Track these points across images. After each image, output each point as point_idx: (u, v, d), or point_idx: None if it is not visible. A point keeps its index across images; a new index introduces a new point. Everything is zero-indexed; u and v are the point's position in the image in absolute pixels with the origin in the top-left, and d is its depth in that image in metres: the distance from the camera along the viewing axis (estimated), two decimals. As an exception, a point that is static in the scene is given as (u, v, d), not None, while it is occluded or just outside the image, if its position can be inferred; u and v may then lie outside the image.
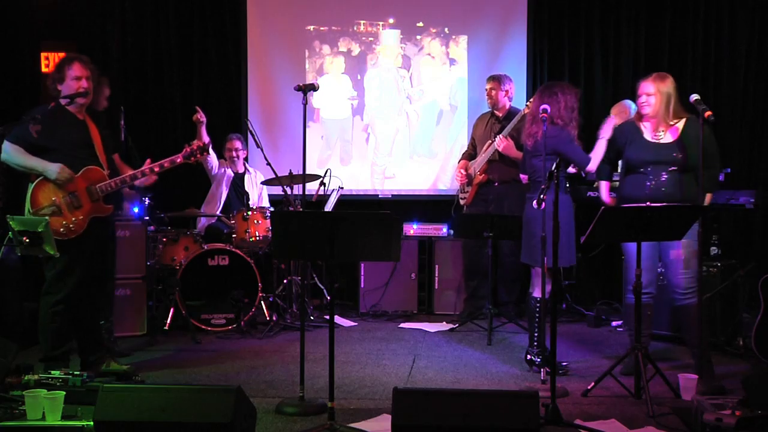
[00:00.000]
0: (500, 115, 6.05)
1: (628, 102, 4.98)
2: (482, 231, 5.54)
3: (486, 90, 6.11)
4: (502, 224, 5.47)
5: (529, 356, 4.62)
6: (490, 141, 5.92)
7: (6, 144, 4.19)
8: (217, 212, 6.35)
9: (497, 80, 6.05)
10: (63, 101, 4.25)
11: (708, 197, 4.41)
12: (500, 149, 5.74)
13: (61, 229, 4.15)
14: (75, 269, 4.23)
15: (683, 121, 4.45)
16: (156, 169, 4.50)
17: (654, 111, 4.45)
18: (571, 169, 4.70)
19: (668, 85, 4.45)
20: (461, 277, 6.47)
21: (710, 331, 5.05)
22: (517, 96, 6.24)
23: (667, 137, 4.44)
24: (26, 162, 4.23)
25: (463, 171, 6.13)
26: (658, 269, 4.64)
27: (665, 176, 4.38)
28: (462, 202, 6.22)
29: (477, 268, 6.19)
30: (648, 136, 4.49)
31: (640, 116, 4.56)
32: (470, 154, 6.24)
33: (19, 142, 4.19)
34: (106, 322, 5.09)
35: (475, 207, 6.08)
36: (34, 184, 4.19)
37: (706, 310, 4.46)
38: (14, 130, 4.16)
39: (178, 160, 4.53)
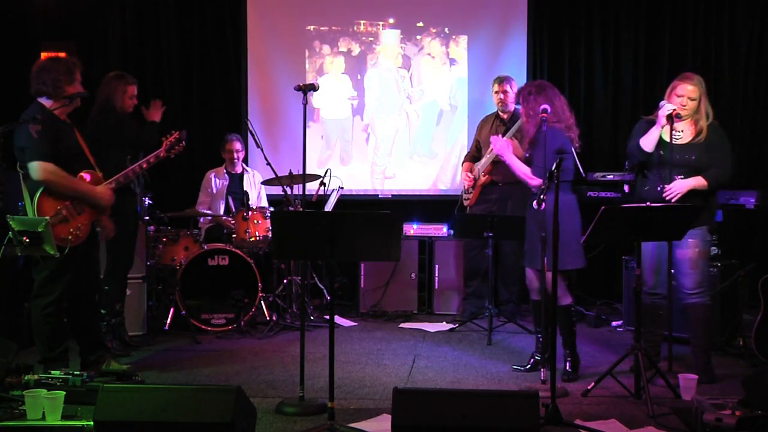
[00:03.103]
0: (505, 117, 6.04)
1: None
2: (483, 231, 5.54)
3: (496, 91, 6.07)
4: (503, 225, 5.47)
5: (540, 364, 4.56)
6: None
7: (38, 164, 4.00)
8: (219, 214, 6.37)
9: (508, 82, 6.04)
10: (59, 102, 4.16)
11: (697, 180, 4.30)
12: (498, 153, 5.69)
13: (69, 236, 4.10)
14: (66, 271, 4.18)
15: (703, 122, 4.39)
16: (144, 166, 4.54)
17: (690, 113, 4.39)
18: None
19: (704, 87, 4.42)
20: (461, 277, 6.47)
21: (711, 331, 5.06)
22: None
23: (684, 138, 4.37)
24: (77, 187, 4.13)
25: (469, 174, 6.13)
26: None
27: (678, 178, 4.33)
28: (466, 203, 6.22)
29: (478, 269, 6.19)
30: (666, 136, 4.39)
31: (670, 117, 4.38)
32: (474, 156, 6.24)
33: (48, 158, 4.03)
34: (117, 316, 5.10)
35: (478, 207, 6.08)
36: (39, 194, 4.06)
37: (709, 310, 4.44)
38: (30, 146, 3.99)
39: (162, 155, 4.61)
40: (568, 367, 4.49)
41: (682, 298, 4.42)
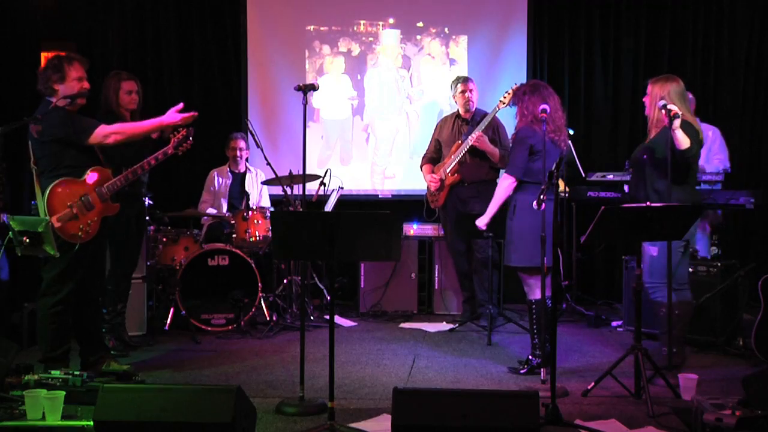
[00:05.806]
0: (467, 117, 6.01)
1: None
2: (482, 231, 5.53)
3: (460, 92, 5.96)
4: (504, 224, 5.47)
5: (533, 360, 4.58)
6: (459, 142, 5.89)
7: (93, 137, 4.15)
8: (223, 213, 6.37)
9: (472, 82, 6.00)
10: (62, 102, 4.17)
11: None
12: (478, 144, 5.70)
13: (79, 233, 4.11)
14: (76, 270, 4.19)
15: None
16: (152, 163, 4.51)
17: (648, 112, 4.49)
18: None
19: (663, 88, 4.42)
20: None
21: (710, 331, 5.10)
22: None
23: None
24: (142, 129, 4.34)
25: (434, 176, 6.05)
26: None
27: (636, 177, 4.45)
28: (433, 205, 6.16)
29: (462, 271, 6.18)
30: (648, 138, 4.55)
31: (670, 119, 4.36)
32: (432, 157, 6.18)
33: (93, 127, 4.18)
34: (118, 316, 5.11)
35: (452, 208, 6.02)
36: (48, 192, 4.08)
37: (701, 310, 4.51)
38: (72, 131, 4.11)
39: (170, 151, 4.57)
40: (530, 357, 4.56)
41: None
